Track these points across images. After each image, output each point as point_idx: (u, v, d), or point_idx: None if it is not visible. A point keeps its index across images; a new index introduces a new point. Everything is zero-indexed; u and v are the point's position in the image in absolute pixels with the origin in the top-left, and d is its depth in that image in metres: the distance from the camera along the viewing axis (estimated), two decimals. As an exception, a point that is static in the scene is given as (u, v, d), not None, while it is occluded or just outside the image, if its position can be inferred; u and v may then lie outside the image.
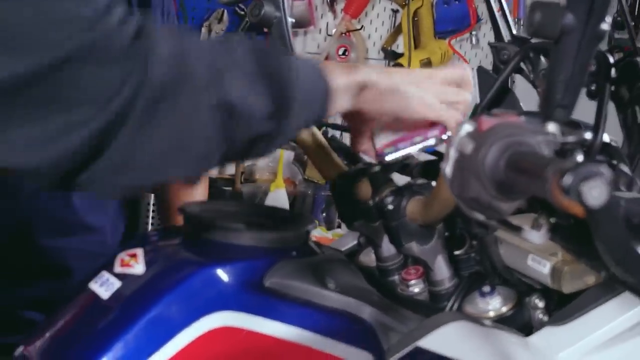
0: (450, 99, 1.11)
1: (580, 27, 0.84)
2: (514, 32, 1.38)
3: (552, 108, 0.88)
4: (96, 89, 0.77)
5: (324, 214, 3.54)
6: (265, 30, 3.52)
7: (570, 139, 0.89)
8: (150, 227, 2.91)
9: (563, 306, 1.09)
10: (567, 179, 0.66)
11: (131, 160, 0.82)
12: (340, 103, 1.02)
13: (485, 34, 3.97)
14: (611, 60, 1.16)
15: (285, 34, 1.42)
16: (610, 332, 1.05)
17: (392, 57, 3.82)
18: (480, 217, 0.91)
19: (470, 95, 1.15)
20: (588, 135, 0.91)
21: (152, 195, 2.70)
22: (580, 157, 0.90)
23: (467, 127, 0.90)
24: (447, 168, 0.90)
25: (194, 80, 0.83)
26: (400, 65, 3.74)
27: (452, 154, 0.89)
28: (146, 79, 0.79)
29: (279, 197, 3.32)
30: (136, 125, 0.79)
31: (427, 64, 3.76)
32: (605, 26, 0.85)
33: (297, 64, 0.96)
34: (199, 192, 1.93)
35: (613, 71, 1.16)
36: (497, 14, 1.39)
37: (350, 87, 1.02)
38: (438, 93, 1.10)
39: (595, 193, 0.65)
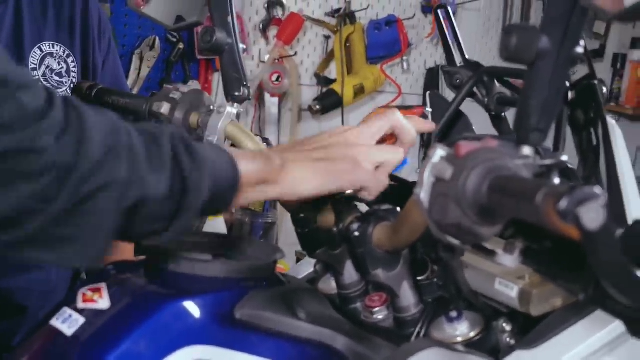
0: (379, 160, 1.12)
1: (555, 50, 0.85)
2: (467, 56, 1.39)
3: (527, 132, 0.89)
4: (16, 183, 0.78)
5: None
6: (200, 57, 3.50)
7: (548, 162, 0.89)
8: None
9: (530, 329, 1.09)
10: (563, 203, 0.66)
11: (36, 241, 0.83)
12: (248, 198, 1.01)
13: (416, 59, 4.01)
14: (567, 84, 1.17)
15: (237, 60, 1.41)
16: (580, 354, 1.06)
17: (325, 83, 3.84)
18: (456, 242, 0.90)
19: (402, 152, 1.14)
20: (564, 158, 0.91)
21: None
22: (557, 180, 0.90)
23: (441, 152, 0.90)
24: (423, 194, 0.89)
25: (114, 188, 0.84)
26: (334, 91, 3.76)
27: (428, 180, 0.89)
28: (69, 184, 0.80)
29: (216, 225, 3.29)
30: (49, 219, 0.80)
31: (360, 89, 3.79)
32: (580, 49, 0.86)
33: (212, 164, 0.94)
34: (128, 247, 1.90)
35: (570, 94, 1.18)
36: (450, 39, 1.39)
37: (258, 182, 1.01)
38: (360, 161, 1.09)
39: (593, 216, 0.65)
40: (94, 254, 0.87)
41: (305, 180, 1.05)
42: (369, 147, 1.12)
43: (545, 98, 0.87)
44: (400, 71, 4.01)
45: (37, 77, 1.63)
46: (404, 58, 3.98)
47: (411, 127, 1.17)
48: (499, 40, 0.86)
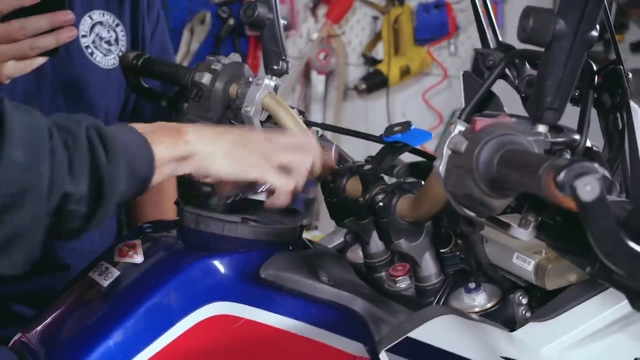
0: (283, 163, 1.12)
1: (571, 33, 0.89)
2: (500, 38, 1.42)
3: (542, 110, 0.93)
4: None
5: (302, 216, 3.58)
6: (249, 34, 3.55)
7: (560, 139, 0.92)
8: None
9: (545, 303, 1.13)
10: (562, 175, 0.70)
11: None
12: (162, 176, 1.02)
13: (464, 42, 4.02)
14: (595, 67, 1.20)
15: (277, 35, 1.45)
16: (591, 328, 1.09)
17: (371, 63, 3.87)
18: (471, 214, 0.95)
19: (308, 162, 1.15)
20: (576, 137, 0.95)
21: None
22: (568, 157, 0.94)
23: (460, 127, 0.94)
24: (441, 166, 0.94)
25: (38, 189, 0.86)
26: (380, 71, 3.80)
27: (446, 152, 0.93)
28: None
29: (259, 199, 3.35)
30: None
31: (406, 70, 3.82)
32: (595, 33, 0.89)
33: (127, 153, 0.96)
34: (168, 208, 1.95)
35: (596, 78, 1.21)
36: (484, 21, 1.42)
37: (172, 159, 1.03)
38: (269, 155, 1.11)
39: (588, 188, 0.69)
40: (22, 261, 0.89)
41: (216, 161, 1.06)
42: (278, 147, 1.13)
43: (560, 79, 0.91)
44: (448, 54, 4.02)
45: (87, 44, 1.69)
46: (452, 41, 3.99)
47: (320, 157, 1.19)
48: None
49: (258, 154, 1.10)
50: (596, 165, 0.71)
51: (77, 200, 0.90)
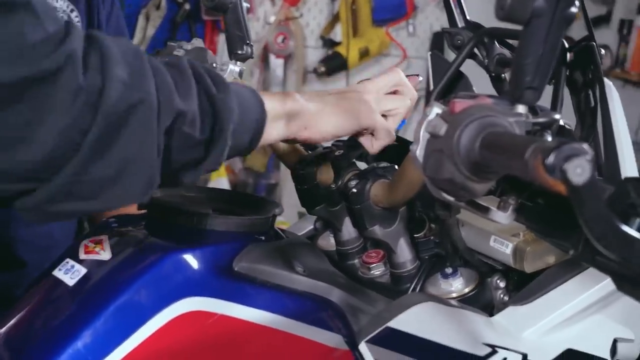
0: (388, 107, 1.15)
1: (550, 9, 0.86)
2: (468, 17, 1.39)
3: (521, 90, 0.90)
4: (48, 116, 0.76)
5: (264, 202, 3.55)
6: (206, 18, 3.51)
7: (541, 120, 0.90)
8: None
9: (523, 286, 1.11)
10: (551, 158, 0.67)
11: (77, 188, 0.80)
12: (274, 132, 1.02)
13: (422, 22, 4.00)
14: (566, 45, 1.18)
15: (241, 19, 1.42)
16: (572, 309, 1.07)
17: (330, 45, 3.84)
18: (450, 198, 0.92)
19: (409, 100, 1.19)
20: (557, 117, 0.92)
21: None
22: (549, 138, 0.92)
23: (437, 109, 0.91)
24: (418, 150, 0.91)
25: (147, 105, 0.82)
26: (339, 53, 3.77)
27: (423, 136, 0.90)
28: (101, 107, 0.78)
29: (220, 186, 3.31)
30: (88, 153, 0.78)
31: (365, 51, 3.79)
32: (574, 9, 0.87)
33: (237, 92, 0.95)
34: None
35: (568, 56, 1.19)
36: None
37: (282, 114, 1.02)
38: (373, 104, 1.13)
39: (579, 170, 0.67)
40: (140, 189, 0.85)
41: (326, 118, 1.07)
42: (379, 95, 1.15)
43: (540, 57, 0.88)
44: (406, 34, 4.00)
45: None
46: (410, 21, 3.97)
47: (410, 85, 1.20)
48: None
49: (363, 104, 1.11)
50: (585, 145, 0.69)
51: (190, 120, 0.87)
